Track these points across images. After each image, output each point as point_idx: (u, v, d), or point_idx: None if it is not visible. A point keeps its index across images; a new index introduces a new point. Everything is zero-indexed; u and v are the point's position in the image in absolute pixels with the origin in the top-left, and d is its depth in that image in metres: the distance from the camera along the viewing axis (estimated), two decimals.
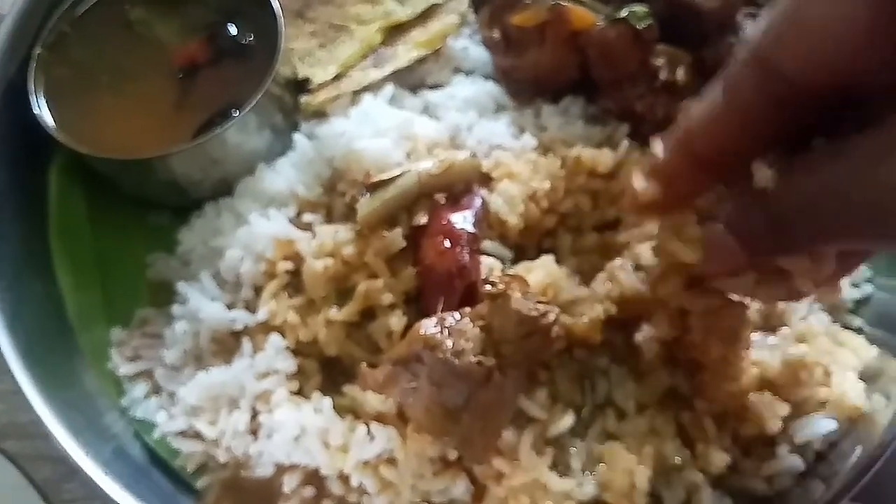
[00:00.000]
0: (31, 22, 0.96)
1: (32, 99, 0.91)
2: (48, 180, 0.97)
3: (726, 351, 0.77)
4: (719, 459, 0.79)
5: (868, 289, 0.92)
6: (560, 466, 0.80)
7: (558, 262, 0.86)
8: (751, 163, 0.49)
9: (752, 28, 0.45)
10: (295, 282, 0.87)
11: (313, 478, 0.81)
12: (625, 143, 0.90)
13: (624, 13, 0.88)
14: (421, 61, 0.99)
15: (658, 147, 0.58)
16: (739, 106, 0.47)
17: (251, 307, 0.87)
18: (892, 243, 0.47)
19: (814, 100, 0.46)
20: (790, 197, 0.47)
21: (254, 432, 0.83)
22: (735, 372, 0.79)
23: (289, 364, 0.84)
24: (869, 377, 0.83)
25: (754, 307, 0.84)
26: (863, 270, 0.93)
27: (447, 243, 0.81)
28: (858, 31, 0.40)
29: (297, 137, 0.94)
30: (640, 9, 0.89)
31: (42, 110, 0.91)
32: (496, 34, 0.97)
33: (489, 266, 0.83)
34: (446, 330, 0.74)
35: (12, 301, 0.86)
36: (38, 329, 0.87)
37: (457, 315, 0.76)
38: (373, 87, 0.96)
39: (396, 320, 0.82)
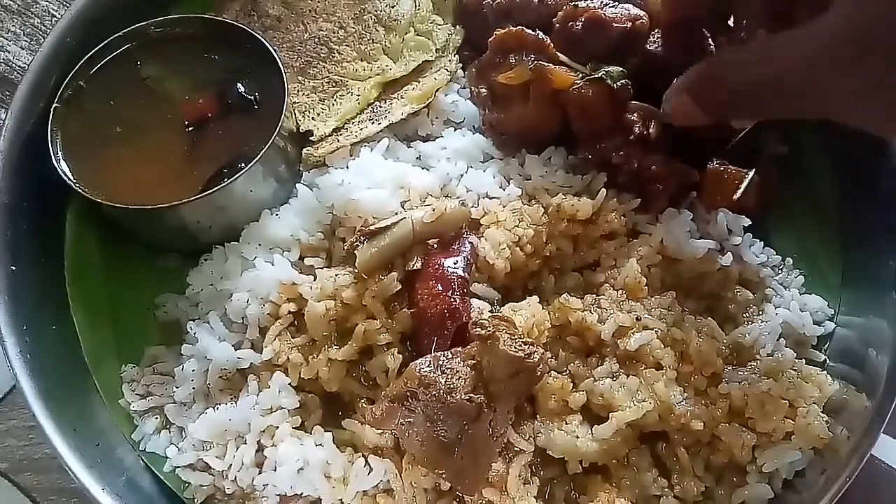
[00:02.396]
0: (49, 78, 1.01)
1: (52, 151, 0.96)
2: (64, 227, 1.01)
3: None
4: (694, 487, 0.86)
5: (830, 326, 0.98)
6: (546, 496, 0.85)
7: (542, 301, 0.93)
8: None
9: None
10: (298, 323, 0.93)
11: None
12: (602, 192, 0.96)
13: (601, 73, 0.95)
14: (414, 114, 1.06)
15: None
16: None
17: (257, 347, 0.92)
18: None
19: None
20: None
21: (259, 465, 0.88)
22: None
23: (292, 400, 0.89)
24: (832, 410, 0.89)
25: (724, 344, 0.91)
26: (825, 308, 0.99)
27: (440, 287, 0.87)
28: None
29: (300, 186, 1.00)
30: (615, 69, 0.96)
31: (61, 162, 0.96)
32: (483, 90, 1.04)
33: (479, 308, 0.89)
34: (439, 369, 0.80)
35: (31, 342, 0.90)
36: (54, 367, 0.92)
37: (449, 354, 0.82)
38: (369, 140, 1.03)
39: (392, 358, 0.88)
